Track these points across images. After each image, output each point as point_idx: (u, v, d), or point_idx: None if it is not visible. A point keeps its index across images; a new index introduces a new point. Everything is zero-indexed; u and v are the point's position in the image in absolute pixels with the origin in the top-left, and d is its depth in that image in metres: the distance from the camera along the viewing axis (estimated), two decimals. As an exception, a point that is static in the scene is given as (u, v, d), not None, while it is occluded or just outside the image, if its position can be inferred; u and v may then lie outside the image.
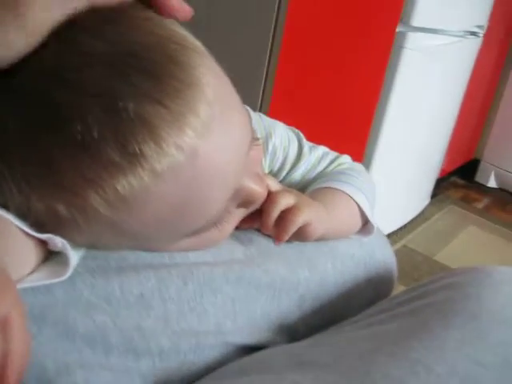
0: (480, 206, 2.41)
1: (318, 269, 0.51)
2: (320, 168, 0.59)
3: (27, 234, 0.33)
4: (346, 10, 1.26)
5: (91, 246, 0.38)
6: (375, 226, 0.56)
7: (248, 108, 0.47)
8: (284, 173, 0.58)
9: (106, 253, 0.40)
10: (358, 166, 0.61)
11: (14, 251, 0.33)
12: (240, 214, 0.44)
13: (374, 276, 0.57)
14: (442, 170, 2.24)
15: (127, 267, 0.40)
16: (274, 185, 0.47)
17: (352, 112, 1.45)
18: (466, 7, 1.67)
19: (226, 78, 0.37)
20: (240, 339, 0.44)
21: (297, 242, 0.50)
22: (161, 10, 0.34)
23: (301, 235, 0.48)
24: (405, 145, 1.72)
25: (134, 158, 0.31)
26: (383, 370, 0.37)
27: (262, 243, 0.49)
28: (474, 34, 1.73)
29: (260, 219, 0.45)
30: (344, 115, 1.43)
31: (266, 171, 0.57)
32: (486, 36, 1.86)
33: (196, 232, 0.39)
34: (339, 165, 0.60)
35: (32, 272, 0.35)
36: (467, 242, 2.04)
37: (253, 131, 0.40)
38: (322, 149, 0.60)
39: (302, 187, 0.58)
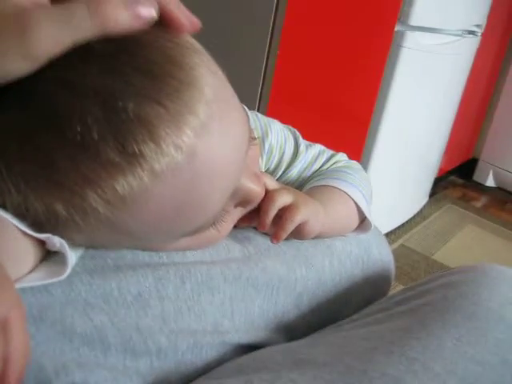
0: (478, 205, 2.42)
1: (316, 267, 0.51)
2: (316, 166, 0.59)
3: (25, 234, 0.33)
4: (345, 9, 1.26)
5: (89, 245, 0.38)
6: (372, 223, 0.56)
7: (244, 107, 0.47)
8: (280, 171, 0.58)
9: (104, 252, 0.40)
10: (355, 163, 0.62)
11: (12, 251, 0.33)
12: (238, 213, 0.44)
13: (371, 274, 0.57)
14: (440, 169, 2.24)
15: (125, 266, 0.40)
16: (272, 183, 0.47)
17: (350, 111, 1.45)
18: (464, 6, 1.67)
19: (225, 78, 0.37)
20: (238, 338, 0.44)
21: (294, 240, 0.51)
22: (170, 27, 0.34)
23: (298, 233, 0.48)
24: (403, 144, 1.72)
25: (133, 158, 0.31)
26: (381, 369, 0.37)
27: (260, 242, 0.49)
28: (472, 33, 1.73)
29: (258, 218, 0.45)
30: (342, 114, 1.43)
31: (263, 170, 0.57)
32: (484, 35, 1.87)
33: (195, 232, 0.39)
34: (335, 163, 0.60)
35: (30, 272, 0.35)
36: (465, 241, 2.04)
37: (251, 130, 0.40)
38: (318, 147, 0.60)
39: (299, 185, 0.58)
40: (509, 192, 2.55)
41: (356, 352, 0.40)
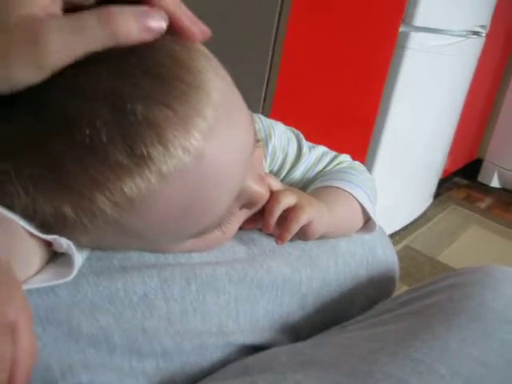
0: (483, 206, 2.41)
1: (320, 267, 0.51)
2: (320, 167, 0.59)
3: (32, 235, 0.33)
4: (349, 10, 1.26)
5: (96, 246, 0.39)
6: (377, 223, 0.56)
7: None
8: (284, 173, 0.58)
9: (110, 253, 0.40)
10: (358, 164, 0.62)
11: (19, 252, 0.33)
12: (243, 215, 0.44)
13: (375, 274, 0.57)
14: (445, 170, 2.24)
15: (131, 267, 0.40)
16: (276, 184, 0.47)
17: (354, 112, 1.45)
18: (468, 7, 1.67)
19: (231, 80, 0.37)
20: (243, 339, 0.44)
21: (299, 241, 0.51)
22: (181, 37, 0.34)
23: (303, 234, 0.48)
24: (407, 145, 1.72)
25: (141, 160, 0.31)
26: (386, 370, 0.37)
27: (264, 243, 0.49)
28: (476, 33, 1.72)
29: (262, 219, 0.46)
30: (347, 116, 1.43)
31: (267, 172, 0.57)
32: (488, 36, 1.86)
33: (201, 233, 0.39)
34: (339, 163, 0.60)
35: (37, 273, 0.35)
36: (470, 242, 2.04)
37: (256, 132, 0.40)
38: (321, 148, 0.60)
39: (303, 186, 0.58)
40: (514, 193, 2.54)
41: (361, 353, 0.40)
